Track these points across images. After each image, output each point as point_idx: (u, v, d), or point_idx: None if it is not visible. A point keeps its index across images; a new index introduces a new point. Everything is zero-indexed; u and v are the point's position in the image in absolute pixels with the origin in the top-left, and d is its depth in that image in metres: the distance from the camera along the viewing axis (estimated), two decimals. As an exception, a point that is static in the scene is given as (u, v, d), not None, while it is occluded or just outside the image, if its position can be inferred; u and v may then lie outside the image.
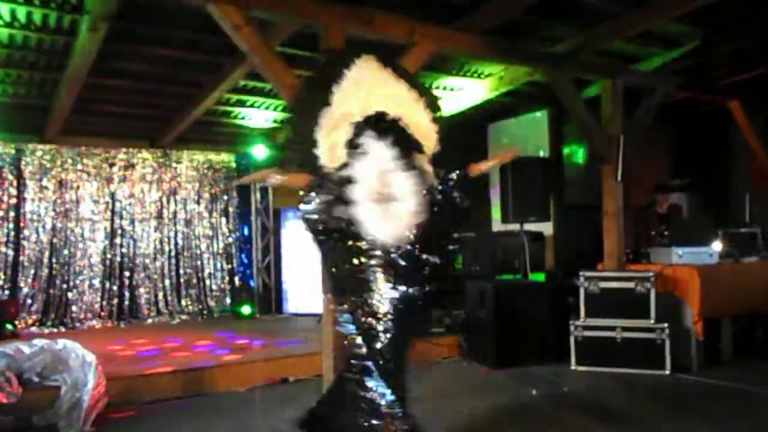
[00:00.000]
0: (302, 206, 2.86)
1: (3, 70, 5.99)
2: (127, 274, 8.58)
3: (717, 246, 5.83)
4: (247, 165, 9.11)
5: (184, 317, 8.66)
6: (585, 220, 7.44)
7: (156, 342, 6.56)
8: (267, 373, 5.18)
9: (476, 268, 6.64)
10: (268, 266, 9.41)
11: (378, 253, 2.69)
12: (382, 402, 2.60)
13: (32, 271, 7.97)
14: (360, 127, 2.70)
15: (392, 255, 2.67)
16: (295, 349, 5.99)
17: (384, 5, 4.82)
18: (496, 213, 6.74)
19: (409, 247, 2.68)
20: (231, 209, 9.42)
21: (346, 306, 2.77)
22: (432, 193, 2.75)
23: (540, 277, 6.61)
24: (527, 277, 6.25)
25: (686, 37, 5.95)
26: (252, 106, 7.65)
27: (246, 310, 8.76)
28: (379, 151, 2.66)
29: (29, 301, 7.90)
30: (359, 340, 2.69)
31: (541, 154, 8.00)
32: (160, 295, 8.73)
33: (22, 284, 7.90)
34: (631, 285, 5.34)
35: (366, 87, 2.82)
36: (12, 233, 7.89)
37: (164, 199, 8.95)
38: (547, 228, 7.22)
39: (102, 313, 8.28)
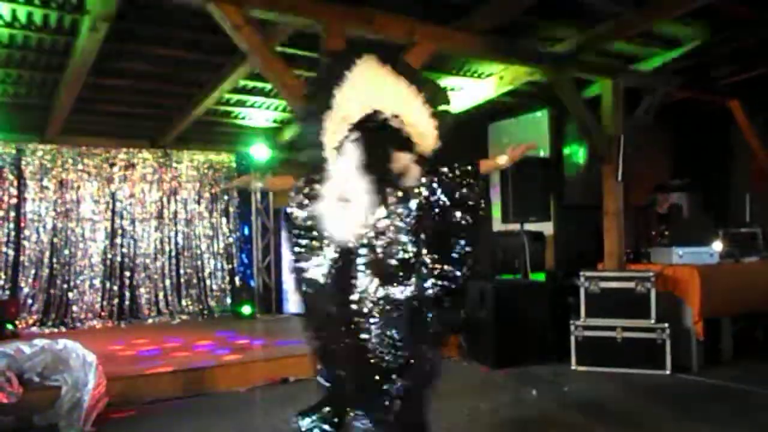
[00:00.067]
0: (288, 208, 2.87)
1: (3, 70, 6.00)
2: (127, 274, 8.58)
3: (717, 246, 5.83)
4: (247, 165, 9.08)
5: (184, 317, 8.66)
6: (585, 220, 7.44)
7: (156, 342, 6.56)
8: (267, 373, 5.17)
9: (476, 267, 6.63)
10: (269, 266, 9.40)
11: (340, 249, 2.67)
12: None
13: (33, 271, 7.97)
14: (351, 129, 2.68)
15: (357, 252, 2.63)
16: (295, 349, 5.96)
17: (384, 5, 4.83)
18: (496, 213, 6.73)
19: (375, 242, 2.61)
20: (231, 209, 9.42)
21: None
22: (430, 192, 2.68)
23: (540, 277, 6.59)
24: (527, 277, 6.24)
25: (686, 37, 5.95)
26: (252, 106, 7.65)
27: (246, 310, 8.75)
28: (351, 151, 2.61)
29: (30, 301, 7.90)
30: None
31: (542, 154, 7.99)
32: (161, 295, 8.73)
33: (22, 284, 7.91)
34: (631, 285, 5.34)
35: (364, 88, 2.80)
36: (12, 233, 7.89)
37: (165, 199, 8.95)
38: (547, 228, 7.21)
39: (102, 313, 8.28)
